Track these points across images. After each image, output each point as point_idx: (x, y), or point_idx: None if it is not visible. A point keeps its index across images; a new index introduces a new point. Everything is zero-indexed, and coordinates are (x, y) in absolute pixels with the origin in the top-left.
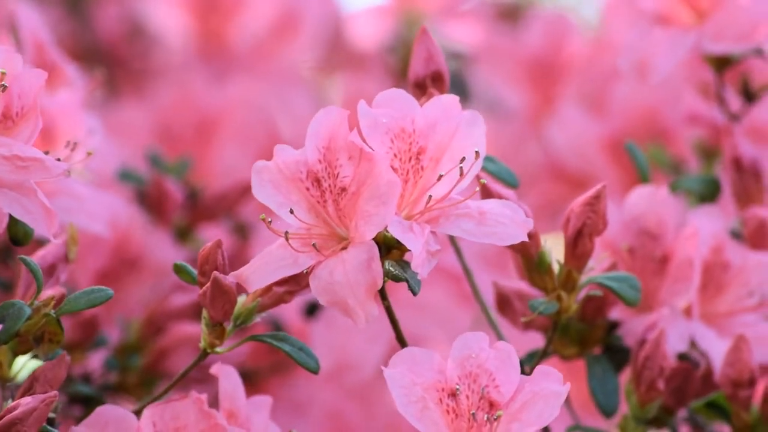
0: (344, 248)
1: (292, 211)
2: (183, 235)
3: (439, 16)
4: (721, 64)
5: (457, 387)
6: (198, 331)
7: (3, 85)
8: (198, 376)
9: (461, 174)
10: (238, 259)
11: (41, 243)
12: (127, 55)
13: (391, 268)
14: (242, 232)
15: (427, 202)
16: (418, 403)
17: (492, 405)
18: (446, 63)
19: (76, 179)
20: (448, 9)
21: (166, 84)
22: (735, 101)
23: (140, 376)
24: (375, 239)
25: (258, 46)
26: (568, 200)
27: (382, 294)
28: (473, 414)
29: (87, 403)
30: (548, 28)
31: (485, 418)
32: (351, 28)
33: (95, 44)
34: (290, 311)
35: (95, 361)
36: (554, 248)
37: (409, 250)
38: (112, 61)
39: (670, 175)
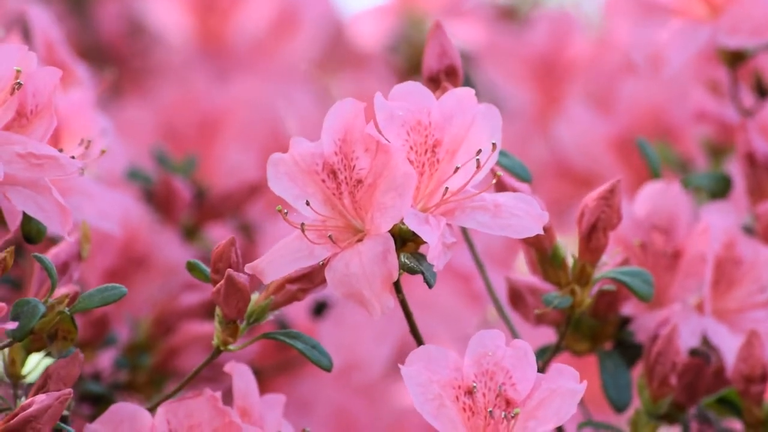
0: (360, 240)
1: (308, 203)
2: (190, 234)
3: (442, 15)
4: (735, 59)
5: (474, 385)
6: (207, 329)
7: (18, 83)
8: (208, 374)
9: (477, 166)
10: (244, 259)
11: (52, 241)
12: (128, 54)
13: (406, 261)
14: (247, 232)
15: (443, 195)
16: (435, 401)
17: (509, 402)
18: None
19: (87, 178)
20: (450, 8)
21: (168, 83)
22: (747, 98)
23: (150, 374)
24: (391, 231)
25: (258, 45)
26: (574, 199)
27: (397, 287)
28: (490, 412)
29: (97, 402)
30: (552, 26)
31: (502, 416)
32: (353, 27)
33: (96, 43)
34: (297, 310)
35: (105, 359)
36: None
37: (424, 243)
38: (113, 59)
39: (678, 173)
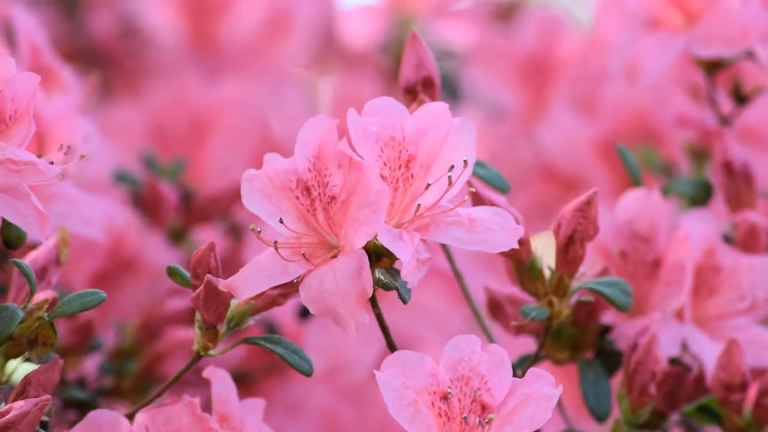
0: (334, 257)
1: (281, 221)
2: (177, 237)
3: (431, 16)
4: (712, 67)
5: (449, 390)
6: (193, 335)
7: None
8: (192, 380)
9: (450, 182)
10: (233, 261)
11: (35, 246)
12: (120, 55)
13: (381, 277)
14: (236, 234)
15: (417, 210)
16: (410, 407)
17: (484, 408)
18: (437, 66)
19: (71, 183)
20: (440, 8)
21: (159, 84)
22: (726, 104)
23: (135, 380)
24: (365, 247)
25: (250, 46)
26: (560, 202)
27: (373, 302)
28: (465, 417)
29: (82, 408)
30: (541, 28)
31: (477, 422)
32: (343, 27)
33: (88, 44)
34: (284, 313)
35: (90, 365)
36: (546, 249)
37: (399, 258)
38: (105, 61)
39: (662, 177)
